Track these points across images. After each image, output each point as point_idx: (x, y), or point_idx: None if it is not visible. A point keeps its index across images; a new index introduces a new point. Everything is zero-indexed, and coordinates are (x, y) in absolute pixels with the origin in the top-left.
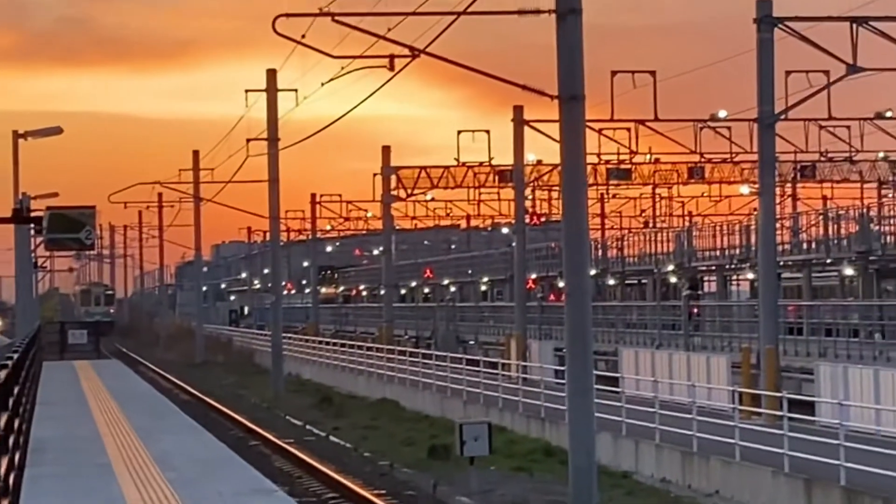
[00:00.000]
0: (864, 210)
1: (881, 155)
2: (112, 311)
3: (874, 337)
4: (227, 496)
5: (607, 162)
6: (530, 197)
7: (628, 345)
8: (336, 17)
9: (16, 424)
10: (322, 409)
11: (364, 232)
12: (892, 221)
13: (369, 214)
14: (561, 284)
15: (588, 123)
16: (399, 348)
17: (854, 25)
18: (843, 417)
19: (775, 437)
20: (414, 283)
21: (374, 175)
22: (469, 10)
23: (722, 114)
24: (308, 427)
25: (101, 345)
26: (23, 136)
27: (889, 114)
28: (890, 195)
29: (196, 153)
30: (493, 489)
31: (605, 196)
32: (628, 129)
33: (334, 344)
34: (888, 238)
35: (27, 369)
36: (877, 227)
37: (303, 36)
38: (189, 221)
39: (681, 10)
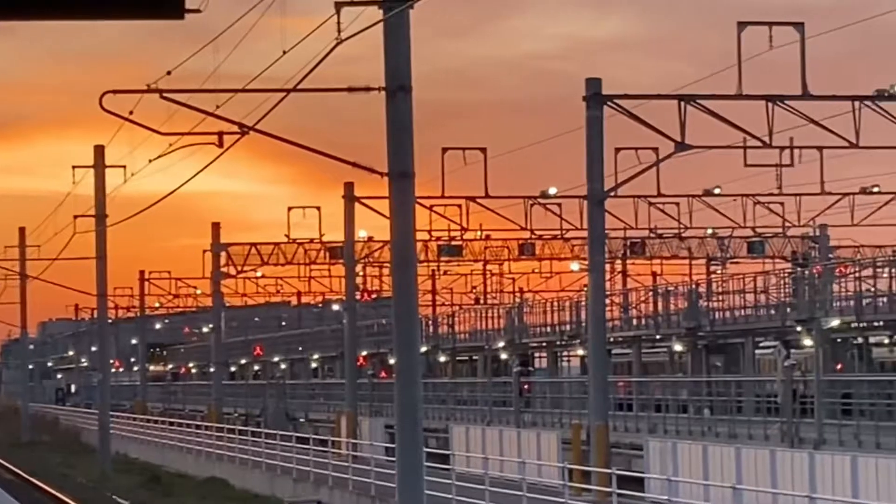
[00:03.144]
0: (693, 286)
1: (709, 231)
2: None
3: (703, 412)
4: None
5: (438, 238)
6: (361, 273)
7: (459, 421)
8: (164, 94)
9: None
10: (150, 488)
11: (194, 309)
12: (720, 298)
13: (199, 291)
14: (392, 361)
15: (419, 200)
16: (228, 426)
17: (682, 103)
18: (671, 494)
19: None
20: (244, 361)
21: (204, 252)
22: (299, 86)
23: (552, 191)
24: None
25: None
26: None
27: (717, 191)
28: (718, 271)
29: (22, 230)
30: None
31: (437, 272)
32: (459, 206)
33: (163, 422)
34: (717, 314)
35: None
36: (705, 304)
37: (130, 112)
38: (15, 299)
39: (511, 87)
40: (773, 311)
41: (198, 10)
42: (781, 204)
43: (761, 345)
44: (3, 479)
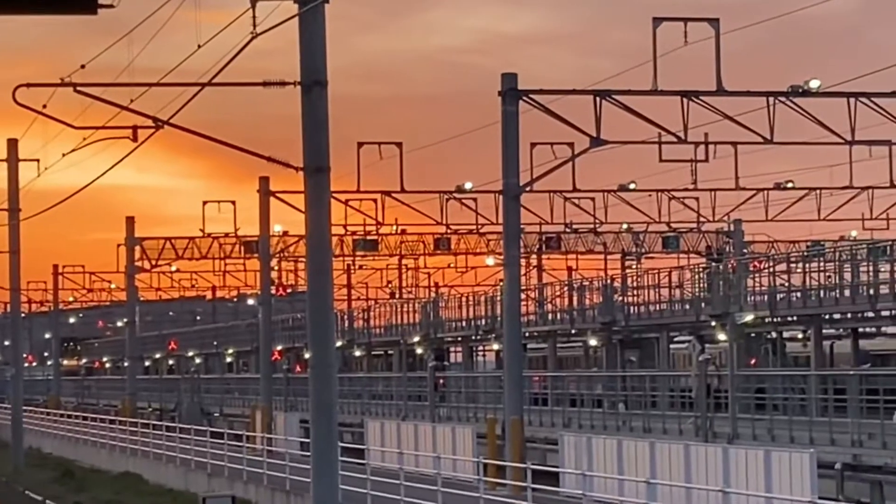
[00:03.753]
0: (608, 281)
1: (625, 226)
2: None
3: (618, 407)
4: None
5: (354, 233)
6: (276, 268)
7: (374, 416)
8: (78, 88)
9: None
10: (63, 483)
11: (108, 303)
12: (635, 292)
13: (113, 286)
14: (307, 356)
15: (334, 194)
16: (142, 421)
17: (598, 99)
18: (586, 488)
19: None
20: (158, 355)
21: (118, 246)
22: (214, 80)
23: (468, 185)
24: (48, 502)
25: None
26: None
27: (632, 186)
28: (633, 266)
29: None
30: None
31: (352, 267)
32: (375, 200)
33: (76, 417)
34: (632, 309)
35: None
36: (620, 299)
37: (44, 106)
38: None
39: (427, 81)
40: (687, 306)
41: (111, 6)
42: (696, 199)
43: (676, 339)
44: None
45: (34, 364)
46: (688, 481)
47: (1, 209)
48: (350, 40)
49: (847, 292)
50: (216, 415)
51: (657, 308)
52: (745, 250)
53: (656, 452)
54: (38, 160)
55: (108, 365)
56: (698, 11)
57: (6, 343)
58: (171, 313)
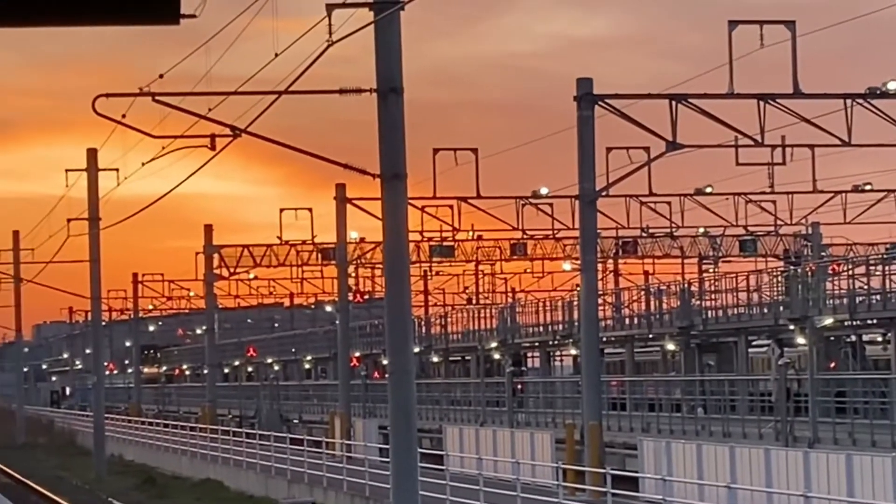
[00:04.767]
0: (686, 285)
1: (701, 230)
2: None
3: (696, 411)
4: None
5: (430, 239)
6: (353, 275)
7: (452, 422)
8: (157, 97)
9: None
10: (145, 490)
11: (187, 311)
12: (712, 296)
13: (192, 293)
14: (385, 362)
15: (410, 201)
16: (222, 428)
17: (673, 103)
18: (666, 493)
19: None
20: (237, 362)
21: (197, 254)
22: (290, 89)
23: (544, 190)
24: None
25: None
26: None
27: (709, 189)
28: (710, 270)
29: (16, 233)
30: None
31: (429, 273)
32: (451, 207)
33: (157, 424)
34: (709, 313)
35: None
36: (698, 303)
37: (123, 116)
38: (9, 302)
39: (502, 87)
40: (765, 310)
41: (193, 16)
42: (773, 202)
43: (754, 343)
44: None
45: (115, 372)
46: (768, 486)
47: (81, 218)
48: (425, 47)
49: None
50: (295, 421)
51: (735, 312)
52: (823, 253)
53: (736, 457)
54: (117, 169)
55: (187, 372)
56: (774, 14)
57: (87, 351)
58: (249, 320)
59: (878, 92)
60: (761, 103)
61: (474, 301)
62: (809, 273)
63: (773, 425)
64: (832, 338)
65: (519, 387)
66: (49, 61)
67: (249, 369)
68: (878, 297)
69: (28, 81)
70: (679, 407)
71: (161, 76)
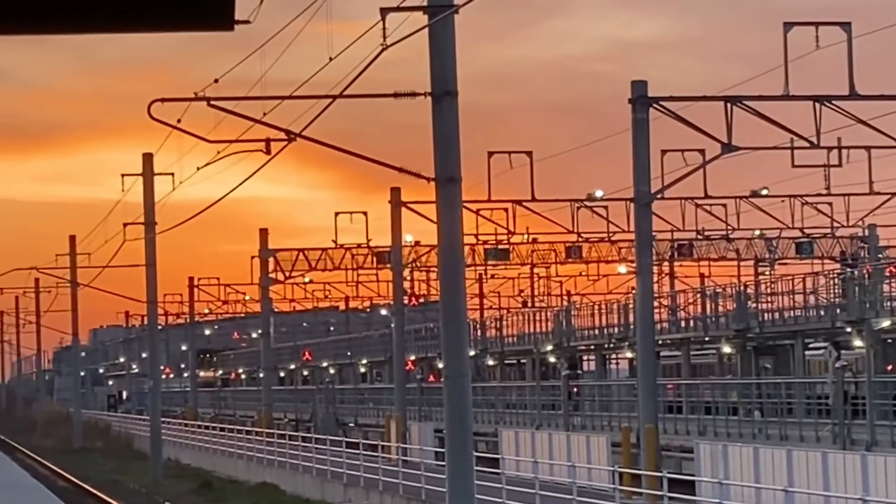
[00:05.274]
0: (742, 288)
1: (757, 233)
2: None
3: (753, 414)
4: None
5: (485, 242)
6: (408, 278)
7: (508, 425)
8: (211, 102)
9: None
10: (201, 494)
11: (242, 315)
12: (769, 299)
13: (247, 297)
14: (440, 365)
15: (465, 204)
16: (278, 431)
17: (728, 105)
18: (723, 496)
19: None
20: (293, 366)
21: (252, 258)
22: (345, 93)
23: (598, 193)
24: None
25: None
26: None
27: (764, 192)
28: (766, 273)
29: (73, 238)
30: None
31: (484, 276)
32: (506, 210)
33: (213, 428)
34: (765, 316)
35: None
36: (754, 305)
37: (178, 120)
38: (66, 307)
39: (555, 89)
40: (822, 312)
41: (247, 21)
42: (829, 204)
43: (811, 346)
44: (56, 486)
45: (171, 376)
46: (826, 489)
47: (137, 223)
48: (479, 50)
49: None
50: (351, 425)
51: (791, 314)
52: (880, 255)
53: (793, 460)
54: (172, 174)
55: (243, 376)
56: (830, 15)
57: (144, 355)
58: (304, 324)
59: None
60: (817, 105)
61: (529, 304)
62: (866, 275)
63: (830, 428)
64: (889, 340)
65: (574, 390)
66: (105, 67)
67: (305, 373)
68: None
69: (84, 87)
70: (735, 410)
71: (216, 81)
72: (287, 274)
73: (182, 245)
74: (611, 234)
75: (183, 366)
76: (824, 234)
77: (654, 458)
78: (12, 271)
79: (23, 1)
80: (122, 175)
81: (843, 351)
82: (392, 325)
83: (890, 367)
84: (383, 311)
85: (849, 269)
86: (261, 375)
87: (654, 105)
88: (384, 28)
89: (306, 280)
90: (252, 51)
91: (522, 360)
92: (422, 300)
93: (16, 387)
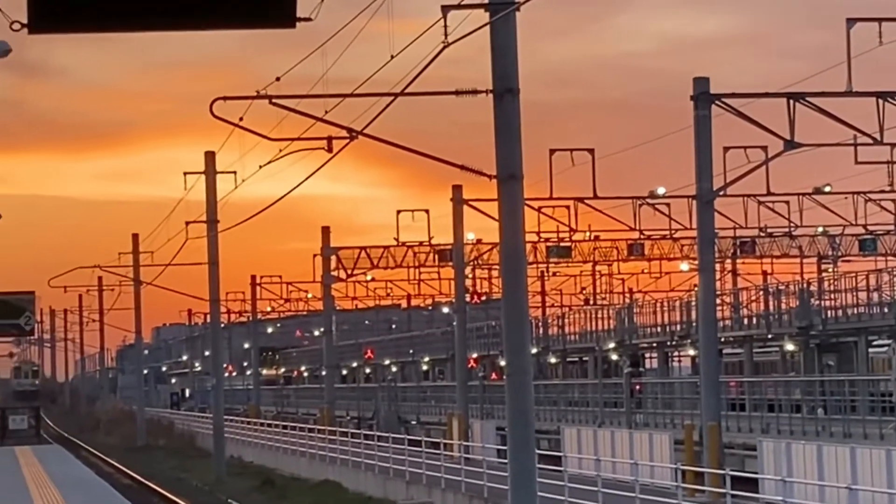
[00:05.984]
0: (805, 285)
1: (820, 230)
2: (37, 382)
3: (816, 412)
4: None
5: (547, 240)
6: (470, 276)
7: (570, 423)
8: (273, 100)
9: None
10: (264, 491)
11: (305, 313)
12: (832, 296)
13: (309, 295)
14: (502, 363)
15: (527, 202)
16: (341, 429)
17: (791, 101)
18: (786, 494)
19: None
20: (355, 364)
21: (314, 256)
22: (406, 90)
23: (661, 191)
24: None
25: (42, 429)
26: None
27: (827, 189)
28: (830, 270)
29: (136, 236)
30: None
31: (546, 274)
32: (567, 207)
33: (276, 426)
34: (829, 313)
35: None
36: (817, 302)
37: (240, 119)
38: (129, 305)
39: (617, 86)
40: (885, 310)
41: (309, 19)
42: (893, 201)
43: (874, 343)
44: (119, 484)
45: (234, 374)
46: (890, 487)
47: (199, 221)
48: (540, 47)
49: None
50: (413, 423)
51: (855, 312)
52: None
53: (857, 458)
54: (234, 172)
55: (305, 374)
56: (893, 11)
57: (207, 353)
58: (366, 322)
59: None
60: (880, 101)
61: (591, 302)
62: None
63: (894, 426)
64: None
65: (637, 387)
66: (167, 65)
67: (367, 371)
68: None
69: (146, 85)
70: (799, 407)
71: (278, 79)
72: (349, 272)
73: (244, 243)
74: (673, 232)
75: (245, 364)
76: (888, 231)
77: (717, 456)
78: (76, 269)
79: (88, 0)
80: (185, 173)
81: None
82: (454, 323)
83: None
84: (445, 309)
85: None
86: (323, 373)
87: (717, 102)
88: (445, 25)
89: (368, 278)
90: (313, 48)
91: (584, 358)
92: (484, 298)
93: (80, 385)
